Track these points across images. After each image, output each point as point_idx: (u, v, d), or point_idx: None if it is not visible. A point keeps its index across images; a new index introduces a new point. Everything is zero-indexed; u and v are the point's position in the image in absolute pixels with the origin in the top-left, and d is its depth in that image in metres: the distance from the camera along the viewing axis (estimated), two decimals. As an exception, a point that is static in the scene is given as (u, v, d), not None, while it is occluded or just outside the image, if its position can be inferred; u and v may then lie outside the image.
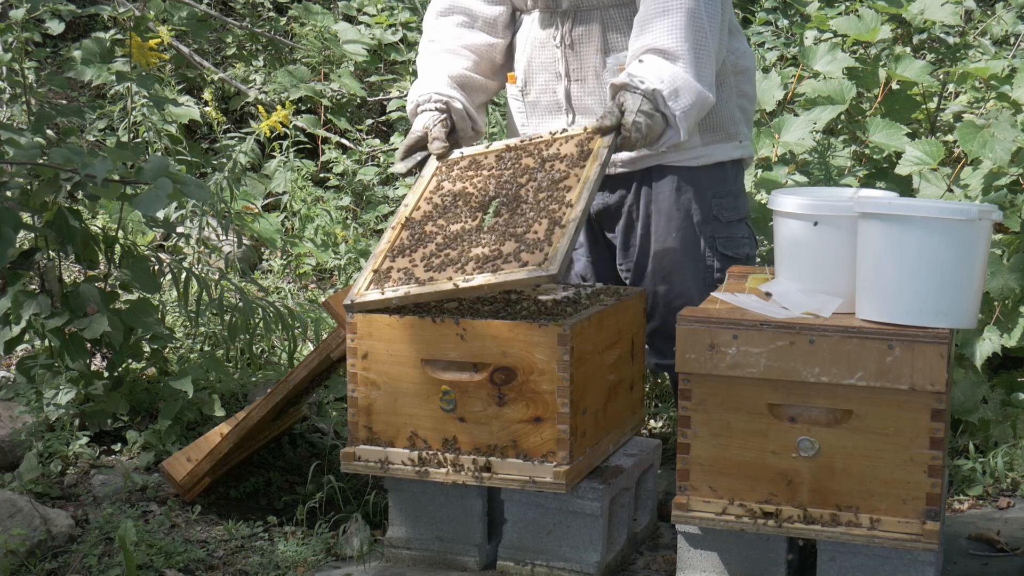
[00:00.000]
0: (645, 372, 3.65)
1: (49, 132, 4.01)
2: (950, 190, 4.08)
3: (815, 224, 2.76)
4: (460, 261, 2.89)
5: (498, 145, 3.21)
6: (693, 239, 3.32)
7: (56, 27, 3.85)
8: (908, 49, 5.13)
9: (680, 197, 3.31)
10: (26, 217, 3.56)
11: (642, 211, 3.34)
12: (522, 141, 3.17)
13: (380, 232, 5.70)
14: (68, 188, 3.49)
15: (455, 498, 3.01)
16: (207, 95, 5.93)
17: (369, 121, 6.43)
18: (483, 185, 3.09)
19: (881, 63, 4.70)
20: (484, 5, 3.38)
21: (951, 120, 4.91)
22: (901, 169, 4.17)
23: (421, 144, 3.28)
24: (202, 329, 4.24)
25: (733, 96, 3.35)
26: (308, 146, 6.07)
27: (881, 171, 4.36)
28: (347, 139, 6.21)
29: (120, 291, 3.76)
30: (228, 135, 5.56)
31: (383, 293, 2.89)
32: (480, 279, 2.80)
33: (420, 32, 3.95)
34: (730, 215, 3.35)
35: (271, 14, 6.95)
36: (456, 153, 3.25)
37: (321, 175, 5.98)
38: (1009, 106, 4.20)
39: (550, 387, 2.80)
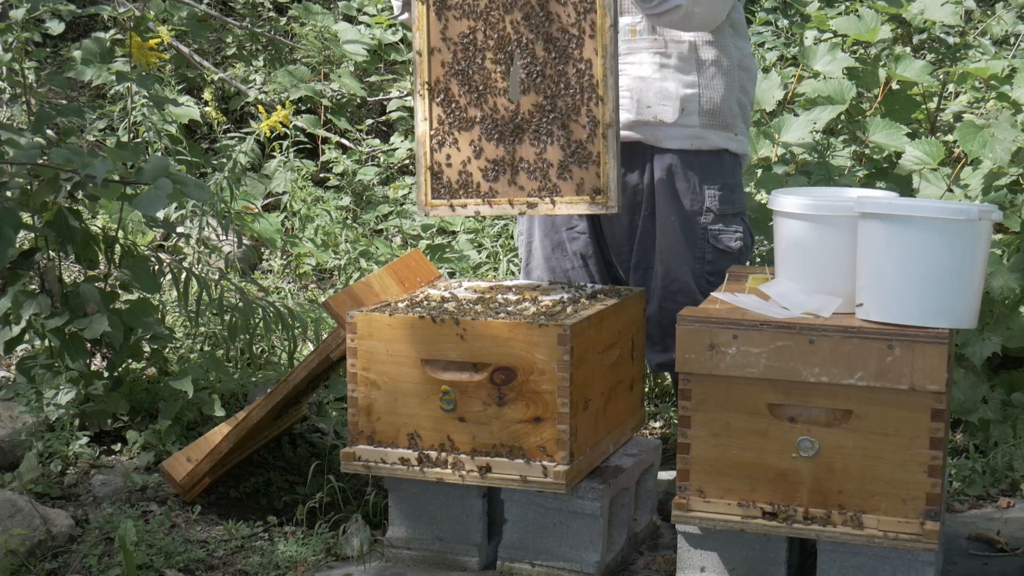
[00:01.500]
0: (645, 372, 3.64)
1: (49, 132, 4.01)
2: (950, 190, 4.08)
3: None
4: (512, 166, 3.09)
5: None
6: (689, 226, 3.35)
7: (56, 27, 3.85)
8: (908, 49, 5.13)
9: (678, 183, 3.33)
10: (26, 217, 3.55)
11: (646, 192, 3.37)
12: None
13: (380, 232, 5.70)
14: (68, 188, 3.49)
15: (455, 498, 3.01)
16: (207, 95, 5.93)
17: (369, 121, 6.43)
18: (495, 20, 3.06)
19: (881, 63, 4.70)
20: None
21: (951, 120, 4.91)
22: (901, 169, 4.17)
23: None
24: (202, 329, 4.23)
25: (735, 90, 3.37)
26: (308, 146, 6.07)
27: (881, 171, 4.35)
28: (347, 139, 6.21)
29: (120, 291, 3.76)
30: (228, 135, 5.56)
31: (452, 209, 3.15)
32: (544, 207, 3.09)
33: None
34: (725, 208, 3.36)
35: (271, 14, 6.95)
36: None
37: (321, 175, 5.98)
38: (1009, 106, 4.20)
39: (550, 387, 2.80)
